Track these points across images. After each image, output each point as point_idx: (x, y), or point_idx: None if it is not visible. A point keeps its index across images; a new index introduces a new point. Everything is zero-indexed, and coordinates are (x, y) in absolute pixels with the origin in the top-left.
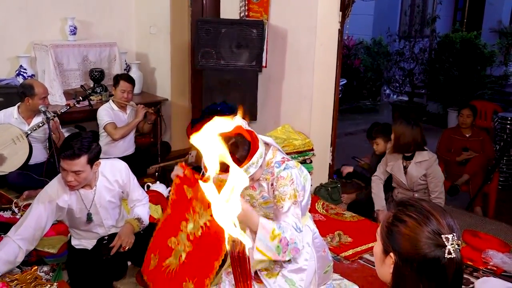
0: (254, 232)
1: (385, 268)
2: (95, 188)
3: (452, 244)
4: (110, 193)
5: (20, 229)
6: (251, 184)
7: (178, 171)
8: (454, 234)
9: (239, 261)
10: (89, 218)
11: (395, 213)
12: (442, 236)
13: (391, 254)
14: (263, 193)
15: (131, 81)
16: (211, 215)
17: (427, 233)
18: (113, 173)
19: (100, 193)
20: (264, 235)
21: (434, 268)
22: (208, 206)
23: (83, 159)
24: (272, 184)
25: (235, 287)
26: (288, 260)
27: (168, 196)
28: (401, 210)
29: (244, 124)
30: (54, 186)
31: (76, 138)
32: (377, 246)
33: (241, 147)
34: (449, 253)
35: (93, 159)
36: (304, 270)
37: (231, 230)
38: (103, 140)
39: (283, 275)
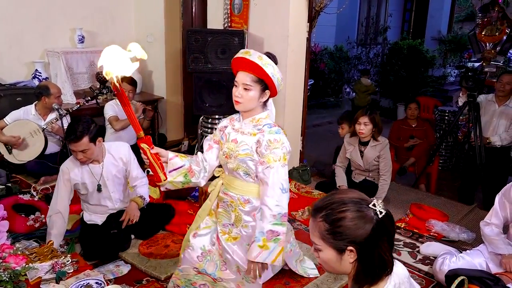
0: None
1: (345, 263)
2: (102, 163)
3: (378, 205)
4: (115, 168)
5: (58, 203)
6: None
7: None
8: (369, 198)
9: (117, 90)
10: (99, 189)
11: (326, 220)
12: (369, 205)
13: (349, 247)
14: (245, 146)
15: (131, 83)
16: None
17: (358, 212)
18: (117, 151)
19: (107, 168)
20: (256, 250)
21: (381, 230)
22: None
23: (85, 139)
24: (258, 141)
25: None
26: (245, 226)
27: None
28: (327, 213)
29: None
30: (67, 164)
31: (77, 122)
32: (327, 253)
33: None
34: (381, 212)
35: (94, 137)
36: None
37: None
38: (109, 132)
39: (242, 239)
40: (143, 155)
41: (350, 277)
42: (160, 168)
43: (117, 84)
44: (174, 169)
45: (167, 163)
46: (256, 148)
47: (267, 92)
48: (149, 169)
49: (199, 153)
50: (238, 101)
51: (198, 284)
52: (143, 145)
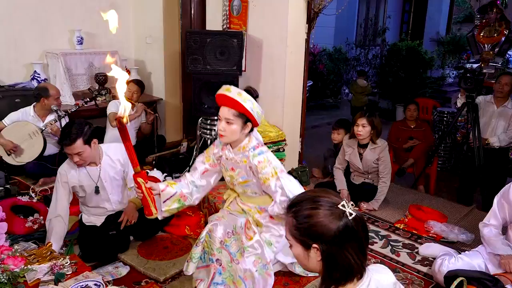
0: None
1: (312, 260)
2: (100, 165)
3: (348, 207)
4: (113, 170)
5: (58, 207)
6: (231, 159)
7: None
8: (343, 200)
9: (121, 125)
10: (97, 191)
11: (295, 216)
12: (339, 206)
13: (314, 245)
14: (242, 174)
15: (137, 84)
16: None
17: (327, 211)
18: (115, 153)
19: (105, 170)
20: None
21: (349, 232)
22: None
23: (79, 142)
24: (250, 167)
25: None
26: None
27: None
28: (297, 209)
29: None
30: (64, 167)
31: (70, 125)
32: (296, 249)
33: (253, 92)
34: (350, 214)
35: (89, 139)
36: (282, 235)
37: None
38: (109, 130)
39: (265, 236)
40: (137, 189)
41: (320, 275)
42: (152, 202)
43: (124, 119)
44: (167, 198)
45: (159, 195)
46: (252, 172)
47: (249, 124)
48: (148, 171)
49: (186, 174)
50: (222, 135)
51: (215, 257)
52: (139, 180)
